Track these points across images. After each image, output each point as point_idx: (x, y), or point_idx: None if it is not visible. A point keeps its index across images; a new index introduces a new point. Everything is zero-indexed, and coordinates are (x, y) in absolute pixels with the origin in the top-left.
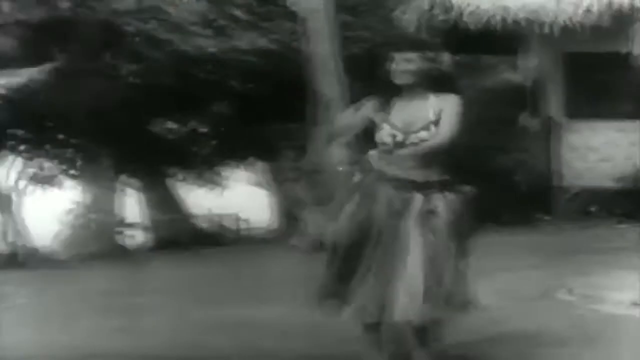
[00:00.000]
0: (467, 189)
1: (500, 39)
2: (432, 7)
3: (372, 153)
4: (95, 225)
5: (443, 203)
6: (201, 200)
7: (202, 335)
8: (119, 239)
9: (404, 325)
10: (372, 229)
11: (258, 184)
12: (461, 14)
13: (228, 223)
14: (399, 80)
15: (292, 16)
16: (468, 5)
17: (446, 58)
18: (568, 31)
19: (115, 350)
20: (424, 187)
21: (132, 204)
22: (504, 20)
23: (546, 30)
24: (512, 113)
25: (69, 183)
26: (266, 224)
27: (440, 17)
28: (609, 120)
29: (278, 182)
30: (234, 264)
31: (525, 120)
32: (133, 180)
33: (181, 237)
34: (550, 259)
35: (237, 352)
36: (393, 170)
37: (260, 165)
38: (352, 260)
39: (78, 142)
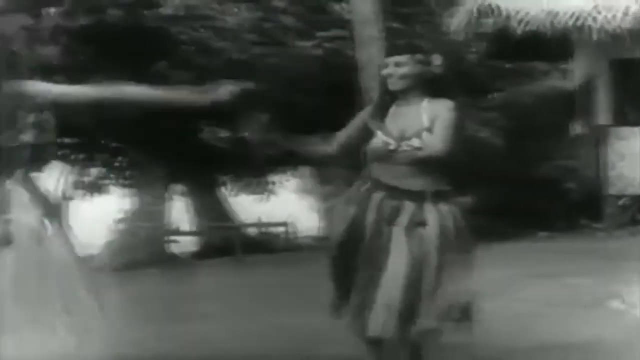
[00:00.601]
0: (465, 200)
1: (550, 45)
2: (479, 13)
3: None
4: (144, 233)
5: (435, 215)
6: (250, 208)
7: (252, 343)
8: (168, 247)
9: (386, 340)
10: (360, 236)
11: (307, 192)
12: (508, 19)
13: (277, 231)
14: (392, 86)
15: (344, 24)
16: (517, 12)
17: (438, 60)
18: (615, 37)
19: (166, 357)
20: (416, 197)
21: (181, 212)
22: (552, 26)
23: (594, 36)
24: (561, 120)
25: (119, 191)
26: (315, 232)
27: (487, 22)
28: None
29: (329, 189)
30: (283, 272)
31: (575, 127)
32: (183, 188)
33: (230, 244)
34: (601, 267)
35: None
36: (388, 178)
37: (309, 173)
38: (345, 269)
39: (128, 150)
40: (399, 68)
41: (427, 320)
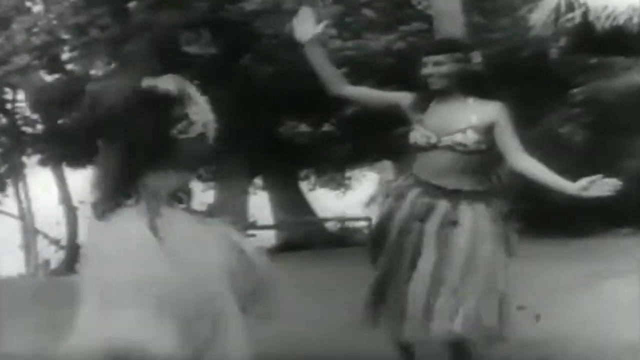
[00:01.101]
0: (502, 203)
1: (633, 41)
2: (559, 6)
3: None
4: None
5: (470, 215)
6: (332, 202)
7: (335, 335)
8: (251, 241)
9: (417, 345)
10: (388, 233)
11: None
12: (587, 13)
13: (359, 225)
14: (432, 85)
15: (427, 18)
16: (605, 7)
17: (477, 58)
18: None
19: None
20: (451, 195)
21: (263, 207)
22: (637, 21)
23: None
24: None
25: (201, 185)
26: None
27: (571, 17)
28: None
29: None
30: (365, 265)
31: None
32: (265, 183)
33: (312, 238)
34: None
35: (372, 351)
36: (426, 175)
37: (391, 167)
38: (382, 264)
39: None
40: (437, 67)
41: (451, 324)
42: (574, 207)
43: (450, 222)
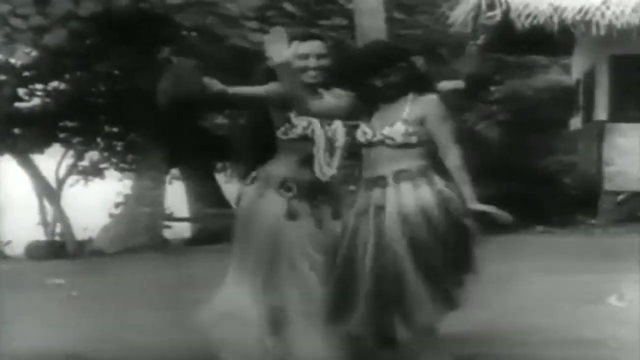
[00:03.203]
0: (437, 178)
1: (552, 40)
2: (480, 4)
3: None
4: (143, 218)
5: (394, 196)
6: None
7: None
8: (166, 232)
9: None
10: (346, 232)
11: None
12: (507, 12)
13: None
14: (380, 94)
15: (348, 14)
16: (525, 5)
17: (419, 61)
18: (620, 33)
19: (163, 344)
20: (380, 182)
21: (180, 198)
22: (557, 21)
23: (597, 31)
24: (562, 115)
25: (118, 176)
26: None
27: (489, 14)
28: None
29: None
30: None
31: (575, 122)
32: (182, 174)
33: (227, 230)
34: (599, 263)
35: None
36: (369, 172)
37: None
38: (338, 267)
39: (130, 135)
40: (385, 79)
41: (404, 313)
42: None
43: (380, 208)
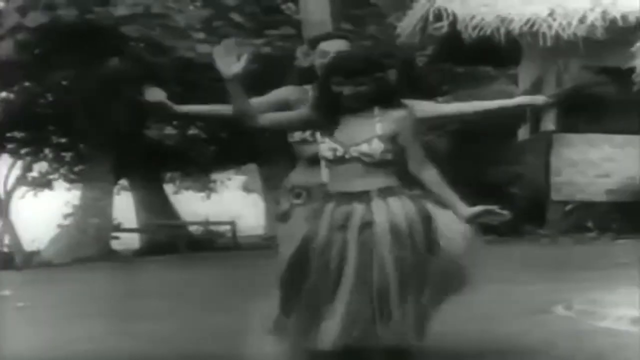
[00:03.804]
0: (418, 193)
1: (500, 51)
2: (427, 15)
3: (322, 168)
4: (92, 229)
5: (384, 211)
6: (197, 206)
7: (195, 340)
8: (115, 243)
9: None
10: (314, 247)
11: (253, 191)
12: (454, 23)
13: (223, 229)
14: (347, 103)
15: (296, 24)
16: (472, 17)
17: (394, 75)
18: (568, 44)
19: (111, 354)
20: (363, 197)
21: (128, 209)
22: (506, 32)
23: (544, 42)
24: (511, 125)
25: (67, 187)
26: (260, 231)
27: (437, 25)
28: (609, 135)
29: (273, 189)
30: (228, 270)
31: (524, 132)
32: (130, 185)
33: (176, 242)
34: (547, 273)
35: (229, 358)
36: (337, 186)
37: (256, 172)
38: (296, 289)
39: (78, 146)
40: (357, 87)
41: (385, 328)
42: None
43: (366, 223)
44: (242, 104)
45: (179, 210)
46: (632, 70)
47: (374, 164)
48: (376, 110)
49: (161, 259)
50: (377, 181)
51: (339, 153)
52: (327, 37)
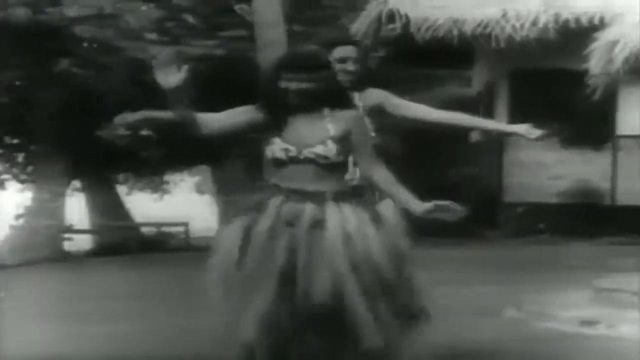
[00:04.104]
0: (373, 199)
1: (453, 53)
2: (380, 17)
3: (267, 168)
4: (44, 230)
5: (337, 215)
6: (150, 207)
7: (150, 341)
8: (67, 245)
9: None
10: (254, 240)
11: (206, 192)
12: (407, 25)
13: (175, 230)
14: (293, 100)
15: (248, 26)
16: (425, 19)
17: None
18: (520, 47)
19: (62, 355)
20: (317, 198)
21: (81, 210)
22: (456, 34)
23: (496, 44)
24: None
25: (19, 188)
26: (213, 232)
27: (392, 28)
28: (561, 139)
29: (225, 190)
30: (180, 271)
31: (476, 134)
32: (83, 186)
33: (128, 243)
34: (497, 274)
35: (184, 357)
36: (288, 183)
37: (208, 173)
38: (236, 281)
39: (30, 146)
40: (304, 83)
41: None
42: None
43: (318, 223)
44: (184, 115)
45: (132, 211)
46: (585, 72)
47: (328, 166)
48: (326, 111)
49: (113, 260)
50: (331, 184)
51: (292, 154)
52: (342, 41)
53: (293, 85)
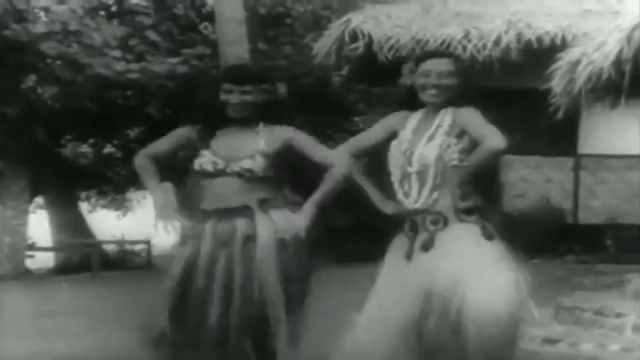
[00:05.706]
0: (299, 201)
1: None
2: (343, 36)
3: (193, 185)
4: (6, 247)
5: (267, 224)
6: (112, 224)
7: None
8: (29, 262)
9: None
10: (198, 267)
11: None
12: (370, 44)
13: (138, 248)
14: (232, 112)
15: (212, 43)
16: (388, 38)
17: (282, 88)
18: (479, 66)
19: None
20: (245, 212)
21: (43, 227)
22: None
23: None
24: None
25: None
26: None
27: (352, 46)
28: (524, 157)
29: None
30: (141, 288)
31: None
32: (45, 203)
33: (90, 261)
34: None
35: None
36: (215, 203)
37: (172, 189)
38: (183, 307)
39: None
40: (244, 96)
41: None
42: (344, 234)
43: (250, 237)
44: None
45: (95, 228)
46: (548, 91)
47: (254, 180)
48: (260, 125)
49: (75, 278)
50: (257, 195)
51: (220, 167)
52: (433, 55)
53: (234, 98)
